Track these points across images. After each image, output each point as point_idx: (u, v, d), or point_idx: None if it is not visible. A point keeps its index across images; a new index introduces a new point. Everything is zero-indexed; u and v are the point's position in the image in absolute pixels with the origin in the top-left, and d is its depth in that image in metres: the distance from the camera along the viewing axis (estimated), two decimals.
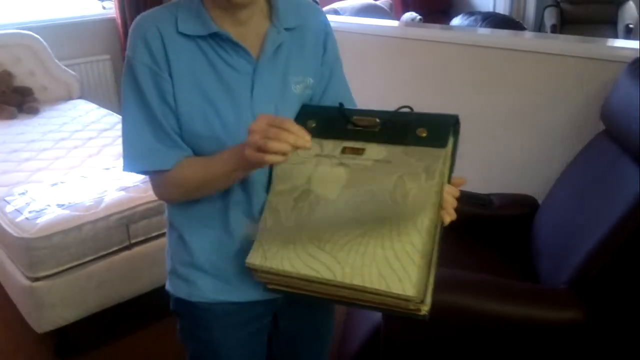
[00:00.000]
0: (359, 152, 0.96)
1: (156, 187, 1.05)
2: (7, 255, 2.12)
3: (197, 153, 1.02)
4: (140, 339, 2.20)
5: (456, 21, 4.02)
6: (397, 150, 0.94)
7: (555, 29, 4.72)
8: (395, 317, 1.44)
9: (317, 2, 3.47)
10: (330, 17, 3.91)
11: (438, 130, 0.94)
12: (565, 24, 4.92)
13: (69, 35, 3.78)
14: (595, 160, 1.76)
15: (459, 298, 1.43)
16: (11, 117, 3.20)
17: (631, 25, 4.74)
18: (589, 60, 2.07)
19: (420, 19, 4.78)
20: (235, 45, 0.99)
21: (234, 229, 1.05)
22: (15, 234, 1.96)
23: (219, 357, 1.14)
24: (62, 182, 2.29)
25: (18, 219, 2.02)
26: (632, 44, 2.11)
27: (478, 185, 2.44)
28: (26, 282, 1.98)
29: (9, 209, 2.11)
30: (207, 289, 1.09)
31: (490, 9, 5.37)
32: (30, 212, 2.06)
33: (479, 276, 1.54)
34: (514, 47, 2.31)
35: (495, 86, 2.39)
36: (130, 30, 1.00)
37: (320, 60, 1.10)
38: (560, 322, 1.39)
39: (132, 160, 1.02)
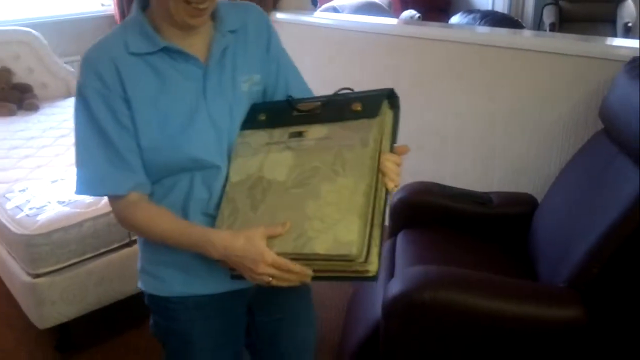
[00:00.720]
0: (302, 134, 1.04)
1: (115, 211, 1.08)
2: (8, 251, 2.12)
3: (160, 165, 1.05)
4: (140, 336, 2.21)
5: (455, 19, 4.03)
6: (336, 127, 1.01)
7: (554, 27, 4.73)
8: (393, 314, 1.47)
9: (316, 1, 3.48)
10: (329, 15, 3.91)
11: (371, 103, 1.01)
12: (564, 22, 4.92)
13: (68, 32, 3.77)
14: (594, 159, 1.77)
15: (458, 296, 1.44)
16: (11, 114, 3.20)
17: (630, 24, 4.75)
18: (588, 59, 2.08)
19: (419, 17, 4.79)
20: (184, 55, 1.04)
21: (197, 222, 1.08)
22: (15, 231, 1.96)
23: (193, 348, 1.17)
24: (62, 179, 2.30)
25: (18, 216, 2.03)
26: (630, 42, 2.12)
27: (477, 183, 2.46)
28: (27, 279, 1.99)
29: (9, 205, 2.11)
30: (176, 284, 1.13)
31: (489, 7, 5.37)
32: (30, 209, 2.06)
33: (478, 274, 1.55)
34: (513, 45, 2.31)
35: (493, 84, 2.40)
36: (80, 63, 1.03)
37: (266, 56, 1.14)
38: (559, 320, 1.40)
39: (86, 184, 1.05)
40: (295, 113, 1.07)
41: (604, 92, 1.83)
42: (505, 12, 5.27)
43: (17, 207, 2.09)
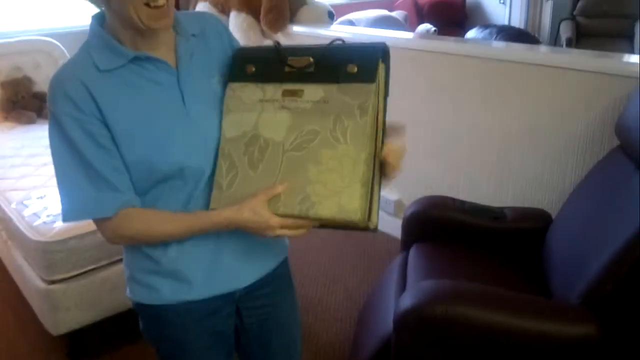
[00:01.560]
0: (297, 94, 1.04)
1: (106, 231, 1.07)
2: (25, 258, 2.15)
3: (148, 177, 1.05)
4: None
5: (471, 34, 4.04)
6: (332, 89, 1.02)
7: (570, 42, 4.71)
8: (404, 327, 1.46)
9: (333, 14, 3.51)
10: (345, 29, 3.94)
11: (367, 65, 1.01)
12: (581, 37, 4.91)
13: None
14: (609, 175, 1.76)
15: (470, 310, 1.43)
16: (30, 121, 3.26)
17: None
18: (604, 75, 2.07)
19: (435, 31, 4.80)
20: (155, 61, 1.04)
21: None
22: (32, 238, 1.99)
23: (184, 350, 1.19)
24: None
25: (36, 223, 2.06)
26: None
27: (491, 198, 2.45)
28: (42, 285, 2.01)
29: (27, 212, 2.15)
30: (166, 292, 1.13)
31: (505, 22, 5.38)
32: (47, 216, 2.09)
33: (491, 289, 1.54)
34: (529, 60, 2.31)
35: (509, 99, 2.39)
36: (49, 88, 1.02)
37: (229, 55, 1.15)
38: (572, 337, 1.39)
39: (71, 211, 1.04)
40: (287, 69, 1.06)
41: (620, 109, 1.83)
42: (522, 27, 5.27)
43: (34, 214, 2.12)
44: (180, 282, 1.13)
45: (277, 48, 1.07)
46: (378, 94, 1.02)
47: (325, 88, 1.02)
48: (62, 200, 1.05)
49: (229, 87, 1.10)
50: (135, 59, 1.02)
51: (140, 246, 1.12)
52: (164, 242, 1.09)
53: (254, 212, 1.00)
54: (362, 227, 1.01)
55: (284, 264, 1.29)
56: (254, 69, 1.08)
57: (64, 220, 1.06)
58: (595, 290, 1.43)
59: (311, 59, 1.04)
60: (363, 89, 1.00)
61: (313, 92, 1.03)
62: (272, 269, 1.24)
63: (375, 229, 1.02)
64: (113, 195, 1.02)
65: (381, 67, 1.02)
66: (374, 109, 1.00)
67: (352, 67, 1.01)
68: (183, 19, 1.10)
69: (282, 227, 1.01)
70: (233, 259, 1.15)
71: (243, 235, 1.12)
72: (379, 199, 1.04)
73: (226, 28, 1.20)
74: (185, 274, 1.12)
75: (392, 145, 1.03)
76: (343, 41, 1.05)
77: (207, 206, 1.07)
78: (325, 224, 1.02)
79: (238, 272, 1.17)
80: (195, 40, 1.11)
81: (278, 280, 1.26)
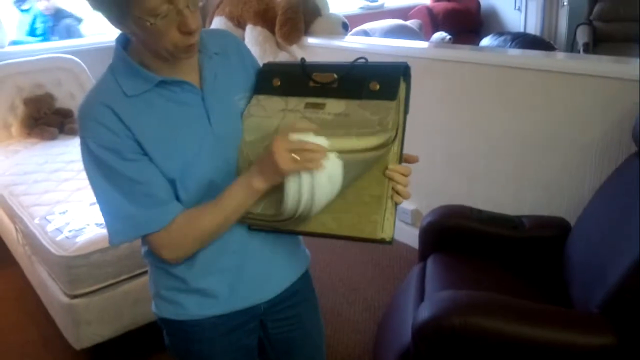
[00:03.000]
0: (319, 107, 1.06)
1: (161, 247, 1.06)
2: (48, 272, 2.20)
3: (177, 190, 1.06)
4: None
5: (486, 41, 4.03)
6: (354, 105, 1.04)
7: (587, 48, 4.67)
8: (422, 338, 1.46)
9: (347, 25, 3.54)
10: (360, 39, 3.95)
11: (389, 83, 1.04)
12: (598, 42, 4.86)
13: (108, 59, 3.89)
14: (627, 182, 1.74)
15: (488, 321, 1.43)
16: (52, 137, 3.33)
17: None
18: (622, 80, 2.05)
19: (450, 39, 4.80)
20: (180, 83, 1.06)
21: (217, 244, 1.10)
22: (55, 252, 2.03)
23: None
24: None
25: (58, 238, 2.10)
26: None
27: (508, 206, 2.44)
28: (65, 299, 2.05)
29: (50, 227, 2.19)
30: (192, 307, 1.15)
31: (521, 29, 5.36)
32: (70, 231, 2.14)
33: (509, 299, 1.54)
34: (545, 67, 2.30)
35: (526, 107, 2.39)
36: (77, 116, 1.04)
37: (252, 73, 1.17)
38: (592, 347, 1.37)
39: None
40: (311, 84, 1.08)
41: (638, 114, 1.81)
42: (538, 32, 5.24)
43: (57, 229, 2.17)
44: (205, 297, 1.14)
45: (303, 64, 1.10)
46: (399, 111, 1.04)
47: (347, 103, 1.04)
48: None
49: (254, 98, 1.13)
50: (161, 83, 1.04)
51: (165, 265, 1.13)
52: (221, 231, 1.07)
53: (267, 149, 0.98)
54: (377, 240, 1.02)
55: (306, 275, 1.30)
56: (279, 82, 1.11)
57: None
58: (614, 299, 1.41)
59: (335, 76, 1.07)
60: (384, 105, 1.02)
61: (335, 105, 1.05)
62: (294, 281, 1.25)
63: (391, 242, 1.03)
64: (159, 209, 1.03)
65: (402, 86, 1.05)
66: (394, 125, 1.01)
67: (374, 84, 1.04)
68: (205, 37, 1.11)
69: (290, 148, 0.94)
70: (256, 273, 1.16)
71: (266, 248, 1.15)
72: (395, 211, 1.04)
73: (245, 46, 1.22)
74: (211, 290, 1.13)
75: (399, 167, 1.03)
76: (366, 60, 1.07)
77: None
78: (340, 236, 1.04)
79: (262, 286, 1.18)
80: (217, 59, 1.13)
81: (301, 292, 1.27)
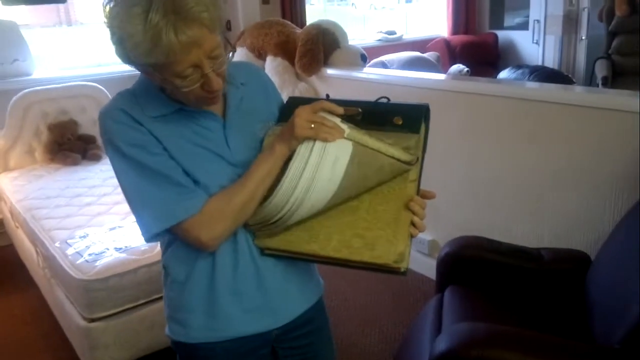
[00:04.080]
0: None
1: (199, 230, 1.06)
2: (67, 295, 2.22)
3: None
4: None
5: (503, 74, 4.06)
6: (377, 134, 1.06)
7: (606, 81, 4.67)
8: None
9: (365, 56, 3.59)
10: (378, 71, 3.99)
11: (412, 118, 1.09)
12: (617, 76, 4.85)
13: (129, 86, 3.99)
14: None
15: (506, 354, 1.41)
16: (75, 163, 3.40)
17: None
18: None
19: (467, 71, 4.84)
20: (201, 112, 1.09)
21: (221, 263, 1.12)
22: (75, 276, 2.06)
23: None
24: (119, 227, 2.40)
25: (78, 261, 2.13)
26: None
27: (527, 239, 2.42)
28: (83, 323, 2.06)
29: (70, 251, 2.22)
30: (204, 330, 1.16)
31: (539, 62, 5.38)
32: (89, 254, 2.16)
33: (528, 332, 1.52)
34: (564, 101, 2.31)
35: (544, 140, 2.39)
36: (99, 123, 1.09)
37: (275, 105, 1.22)
38: None
39: (156, 221, 1.06)
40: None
41: None
42: (556, 66, 5.26)
43: (77, 252, 2.20)
44: (218, 320, 1.15)
45: (328, 100, 1.13)
46: (419, 146, 1.07)
47: (371, 132, 1.07)
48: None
49: (278, 125, 1.16)
50: (180, 109, 1.08)
51: (179, 284, 1.16)
52: (251, 206, 1.07)
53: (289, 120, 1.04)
54: (392, 268, 1.02)
55: (320, 303, 1.30)
56: None
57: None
58: (635, 335, 1.39)
59: (360, 109, 1.10)
60: (406, 137, 1.06)
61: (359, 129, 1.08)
62: (307, 308, 1.25)
63: (405, 273, 1.03)
64: (190, 194, 1.05)
65: (423, 125, 1.09)
66: (415, 152, 1.05)
67: (397, 119, 1.09)
68: (232, 69, 1.15)
69: (309, 119, 1.02)
70: (269, 299, 1.17)
71: (278, 274, 1.16)
72: (410, 243, 1.05)
73: (271, 81, 1.27)
74: (223, 313, 1.14)
75: (417, 198, 1.05)
76: (388, 99, 1.12)
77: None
78: (353, 262, 1.04)
79: (274, 312, 1.19)
80: (243, 89, 1.17)
81: (314, 320, 1.28)
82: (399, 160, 1.03)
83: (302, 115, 1.02)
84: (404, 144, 1.04)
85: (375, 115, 1.10)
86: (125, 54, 0.97)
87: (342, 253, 1.03)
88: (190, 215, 1.05)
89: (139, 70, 1.03)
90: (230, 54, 1.05)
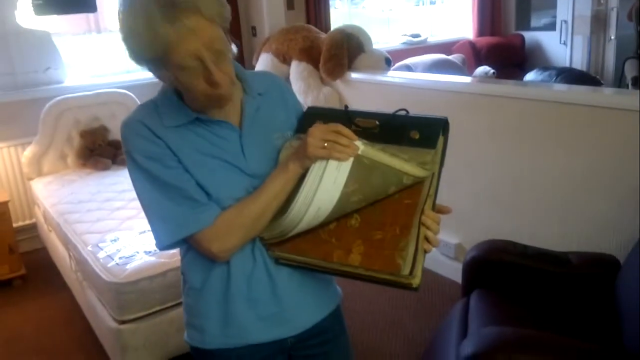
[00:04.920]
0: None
1: (210, 242, 1.08)
2: (98, 298, 2.27)
3: None
4: None
5: (530, 76, 4.02)
6: (393, 149, 1.06)
7: (636, 82, 4.59)
8: None
9: (390, 60, 3.59)
10: (402, 74, 3.99)
11: (429, 133, 1.07)
12: None
13: (156, 92, 4.07)
14: None
15: (534, 359, 1.40)
16: (106, 168, 3.48)
17: None
18: None
19: (493, 73, 4.80)
20: (219, 122, 1.11)
21: (236, 271, 1.13)
22: (106, 279, 2.11)
23: None
24: (149, 230, 2.43)
25: (109, 264, 2.18)
26: None
27: (555, 243, 2.39)
28: (114, 325, 2.11)
29: (101, 254, 2.28)
30: (217, 335, 1.17)
31: (567, 63, 5.31)
32: (120, 258, 2.22)
33: (555, 337, 1.51)
34: (592, 103, 2.28)
35: (572, 141, 2.36)
36: (121, 133, 1.12)
37: (294, 115, 1.23)
38: None
39: (169, 232, 1.08)
40: (353, 128, 1.11)
41: None
42: (584, 67, 5.19)
43: (108, 256, 2.25)
44: (233, 327, 1.16)
45: (347, 110, 1.15)
46: (436, 161, 1.06)
47: (387, 147, 1.07)
48: (154, 228, 1.11)
49: (295, 136, 1.17)
50: (198, 120, 1.11)
51: (196, 291, 1.17)
52: (263, 220, 1.09)
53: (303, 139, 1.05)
54: (404, 284, 1.01)
55: (337, 312, 1.29)
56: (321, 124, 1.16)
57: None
58: None
59: (377, 122, 1.11)
60: (422, 152, 1.05)
61: (375, 144, 1.07)
62: (324, 317, 1.24)
63: (417, 289, 1.01)
64: (203, 207, 1.08)
65: (441, 139, 1.07)
66: (430, 168, 1.04)
67: (414, 133, 1.07)
68: (250, 79, 1.18)
69: (325, 139, 1.01)
70: (284, 307, 1.17)
71: (294, 282, 1.16)
72: (424, 258, 1.03)
73: (290, 90, 1.28)
74: (239, 320, 1.15)
75: (430, 213, 1.04)
76: (407, 111, 1.11)
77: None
78: (365, 276, 1.03)
79: (290, 320, 1.19)
80: (260, 99, 1.18)
81: (330, 330, 1.27)
82: (413, 176, 1.03)
83: (315, 134, 1.03)
84: (420, 159, 1.04)
85: (392, 129, 1.09)
86: (134, 53, 1.00)
87: (354, 266, 1.03)
88: (202, 228, 1.07)
89: (151, 71, 1.05)
90: (235, 49, 1.07)
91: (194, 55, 0.98)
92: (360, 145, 1.02)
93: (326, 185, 1.00)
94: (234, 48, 1.07)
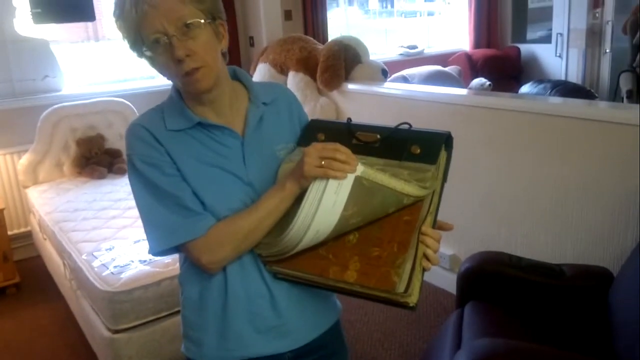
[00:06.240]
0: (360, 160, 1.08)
1: (200, 253, 1.08)
2: (92, 307, 2.27)
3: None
4: None
5: (525, 88, 4.05)
6: (393, 164, 1.06)
7: (631, 95, 4.62)
8: None
9: (387, 71, 3.61)
10: (399, 85, 4.02)
11: (430, 148, 1.05)
12: None
13: (155, 102, 4.05)
14: None
15: None
16: (101, 177, 3.48)
17: None
18: None
19: (489, 85, 4.83)
20: (221, 128, 1.12)
21: (233, 284, 1.12)
22: (100, 287, 2.10)
23: None
24: (144, 240, 2.43)
25: (104, 273, 2.17)
26: None
27: (549, 254, 2.40)
28: (107, 334, 2.11)
29: (96, 263, 2.27)
30: (215, 349, 1.15)
31: (562, 76, 5.35)
32: (115, 267, 2.21)
33: (548, 349, 1.51)
34: (586, 116, 2.30)
35: (566, 155, 2.38)
36: (125, 137, 1.13)
37: (299, 127, 1.23)
38: None
39: (159, 239, 1.08)
40: (354, 141, 1.11)
41: None
42: (579, 80, 5.22)
43: (103, 264, 2.25)
44: (230, 340, 1.15)
45: (349, 123, 1.15)
46: (436, 177, 1.04)
47: (387, 162, 1.07)
48: (148, 233, 1.11)
49: (297, 148, 1.17)
50: (199, 124, 1.12)
51: (193, 303, 1.17)
52: (256, 236, 1.08)
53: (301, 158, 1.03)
54: (400, 302, 0.99)
55: (337, 327, 1.28)
56: (323, 137, 1.15)
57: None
58: None
59: (378, 136, 1.10)
60: (423, 168, 1.03)
61: (374, 162, 1.07)
62: (323, 331, 1.23)
63: (414, 308, 0.99)
64: (196, 217, 1.07)
65: (443, 154, 1.06)
66: (430, 186, 1.02)
67: (415, 148, 1.06)
68: (256, 88, 1.19)
69: (323, 157, 0.99)
70: (284, 321, 1.16)
71: (293, 297, 1.15)
72: (422, 277, 1.02)
73: (297, 102, 1.27)
74: (236, 333, 1.14)
75: (430, 231, 1.03)
76: (410, 125, 1.10)
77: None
78: (361, 294, 1.02)
79: (287, 334, 1.17)
80: (265, 108, 1.19)
81: (329, 345, 1.26)
82: (414, 197, 1.01)
83: (311, 153, 1.00)
84: (419, 176, 1.02)
85: (394, 143, 1.08)
86: (126, 41, 1.05)
87: (349, 282, 1.01)
88: (194, 237, 1.07)
89: (149, 63, 1.07)
90: (226, 45, 1.11)
91: (158, 32, 1.01)
92: (360, 167, 1.00)
93: (325, 208, 0.98)
94: (225, 44, 1.11)
